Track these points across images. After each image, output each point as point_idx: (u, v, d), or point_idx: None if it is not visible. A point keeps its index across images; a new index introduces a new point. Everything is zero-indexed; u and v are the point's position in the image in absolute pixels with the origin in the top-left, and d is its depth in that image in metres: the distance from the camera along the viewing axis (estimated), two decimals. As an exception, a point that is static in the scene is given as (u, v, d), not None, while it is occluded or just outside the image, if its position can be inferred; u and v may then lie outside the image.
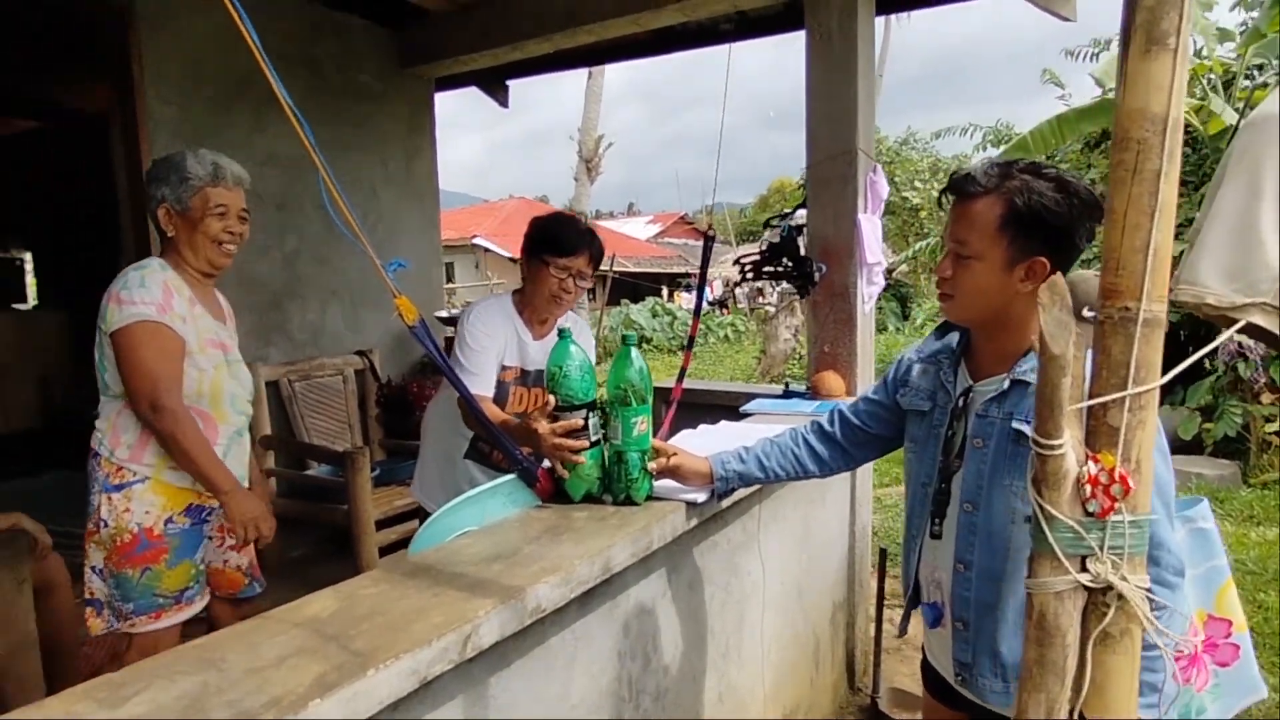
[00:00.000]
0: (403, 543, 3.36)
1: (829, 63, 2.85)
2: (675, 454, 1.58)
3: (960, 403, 1.36)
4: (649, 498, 1.58)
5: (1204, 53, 7.20)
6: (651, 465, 1.54)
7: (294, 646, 1.00)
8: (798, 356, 10.59)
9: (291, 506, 3.52)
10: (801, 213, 3.04)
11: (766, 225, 3.20)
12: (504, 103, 4.84)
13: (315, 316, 3.84)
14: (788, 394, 2.94)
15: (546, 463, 1.59)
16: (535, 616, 1.20)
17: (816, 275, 2.83)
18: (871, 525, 3.10)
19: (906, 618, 1.52)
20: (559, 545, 1.36)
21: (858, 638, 2.93)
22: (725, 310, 18.26)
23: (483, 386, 1.94)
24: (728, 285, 21.11)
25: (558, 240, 2.01)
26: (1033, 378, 1.25)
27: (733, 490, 1.65)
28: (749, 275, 3.06)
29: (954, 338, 1.42)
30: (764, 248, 3.04)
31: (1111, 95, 6.59)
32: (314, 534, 3.79)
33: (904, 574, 1.50)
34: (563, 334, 1.55)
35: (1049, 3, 3.26)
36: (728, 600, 1.97)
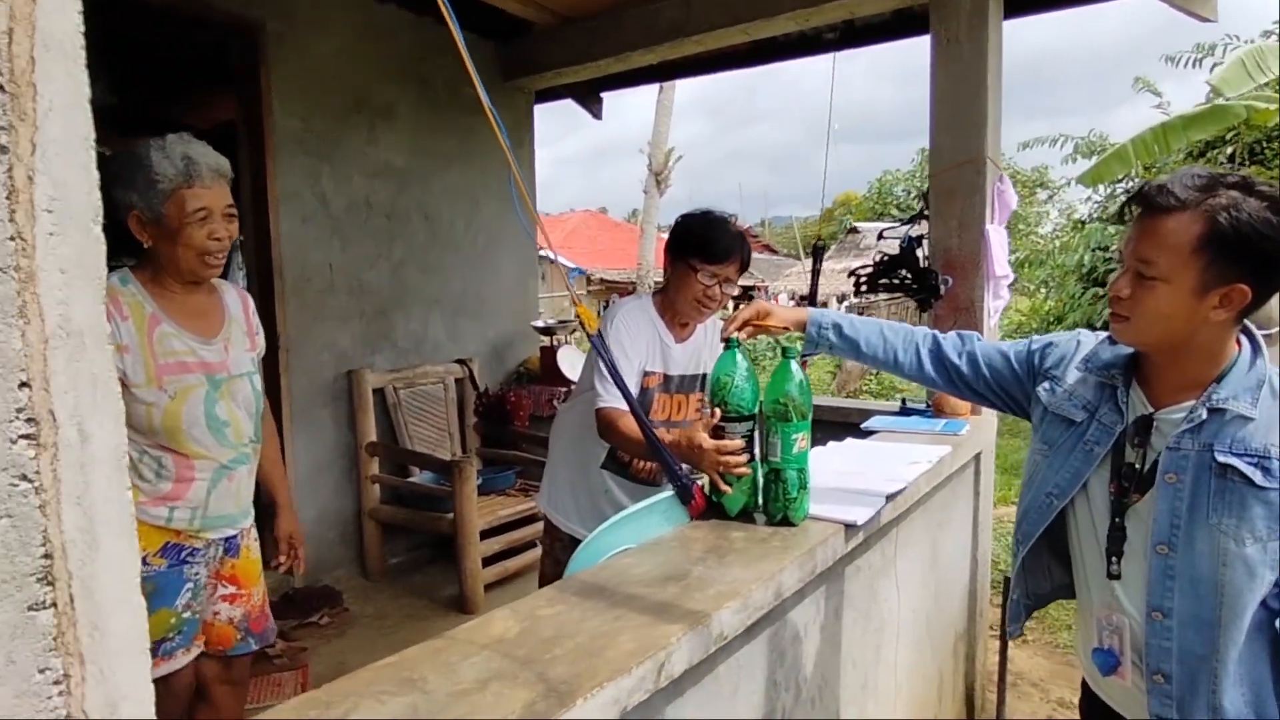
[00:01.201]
0: (505, 554, 3.36)
1: (957, 68, 2.74)
2: (764, 312, 1.55)
3: (1131, 429, 1.24)
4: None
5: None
6: (743, 334, 1.51)
7: (491, 669, 0.96)
8: (874, 371, 10.30)
9: (395, 513, 3.56)
10: (921, 224, 2.93)
11: (879, 236, 3.10)
12: (598, 114, 4.85)
13: (418, 325, 3.88)
14: (905, 411, 2.82)
15: (702, 479, 1.54)
16: (719, 644, 1.14)
17: (942, 288, 2.71)
18: (991, 552, 2.95)
19: (1003, 611, 1.52)
20: (727, 568, 1.30)
21: (977, 671, 2.78)
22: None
23: (614, 402, 1.82)
24: (793, 298, 20.77)
25: (707, 245, 1.86)
26: (1234, 405, 1.13)
27: (815, 355, 1.60)
28: (864, 288, 2.97)
29: (1126, 349, 1.31)
30: (880, 259, 2.94)
31: (1222, 101, 6.23)
32: (411, 540, 3.82)
33: (1013, 573, 1.44)
34: (730, 343, 1.48)
35: (1188, 4, 3.08)
36: (867, 629, 1.88)
